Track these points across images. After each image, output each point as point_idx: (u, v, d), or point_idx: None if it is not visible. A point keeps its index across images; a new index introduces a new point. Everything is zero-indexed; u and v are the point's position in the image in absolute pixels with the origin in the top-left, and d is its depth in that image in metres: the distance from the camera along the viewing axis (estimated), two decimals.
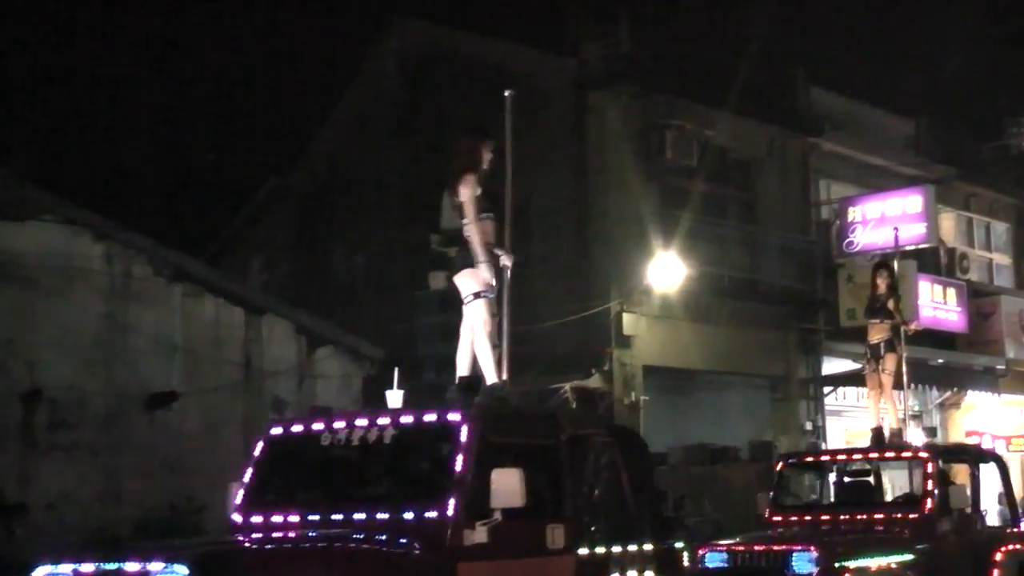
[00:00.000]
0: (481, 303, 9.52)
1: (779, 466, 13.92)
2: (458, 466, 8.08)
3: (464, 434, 8.22)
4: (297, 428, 8.91)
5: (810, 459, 15.14)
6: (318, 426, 8.73)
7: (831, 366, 23.34)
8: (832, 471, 14.28)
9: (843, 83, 25.77)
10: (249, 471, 8.84)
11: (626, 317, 20.29)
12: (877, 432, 14.26)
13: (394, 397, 9.11)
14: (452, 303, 16.89)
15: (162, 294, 15.75)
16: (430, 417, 8.49)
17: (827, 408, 23.74)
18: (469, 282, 9.58)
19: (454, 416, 8.39)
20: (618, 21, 21.01)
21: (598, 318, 19.92)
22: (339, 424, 8.67)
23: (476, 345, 9.51)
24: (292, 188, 25.78)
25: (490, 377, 9.42)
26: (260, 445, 8.96)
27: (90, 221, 15.21)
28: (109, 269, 15.26)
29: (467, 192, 9.55)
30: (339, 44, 27.18)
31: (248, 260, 26.27)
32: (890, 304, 14.51)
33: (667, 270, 20.07)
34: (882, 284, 14.63)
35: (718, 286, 21.39)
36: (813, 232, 24.25)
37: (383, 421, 8.54)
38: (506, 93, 9.91)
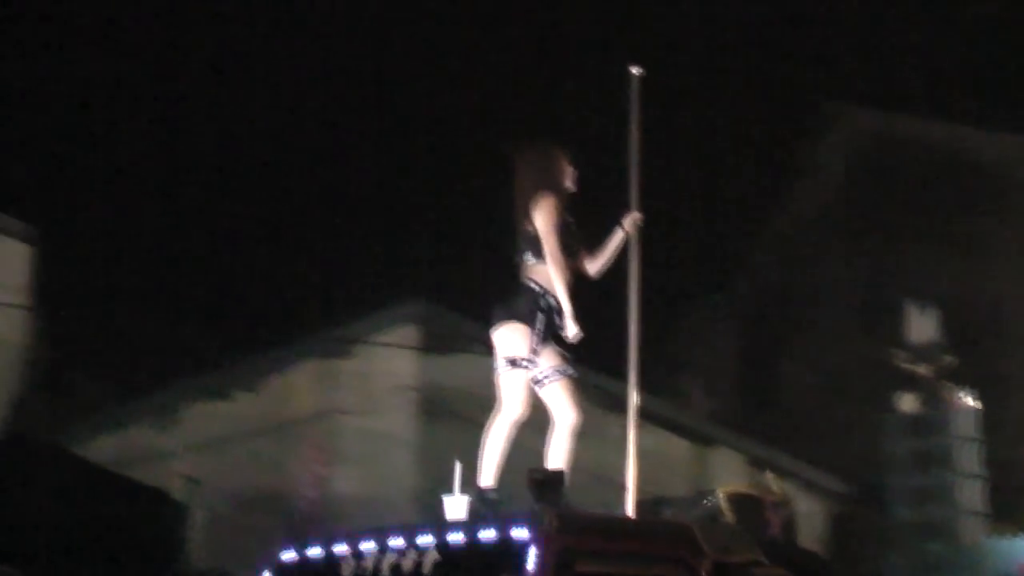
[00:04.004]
0: (514, 376, 7.61)
1: None
2: None
3: (533, 560, 6.10)
4: (314, 552, 7.17)
5: None
6: (340, 548, 7.05)
7: None
8: None
9: None
10: None
11: None
12: None
13: (455, 505, 7.35)
14: (926, 426, 16.32)
15: (600, 426, 15.97)
16: (486, 534, 6.48)
17: None
18: (508, 340, 7.64)
19: (519, 532, 6.28)
20: None
21: None
22: (367, 546, 6.95)
23: (488, 435, 7.64)
24: (732, 304, 25.76)
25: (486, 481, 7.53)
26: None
27: None
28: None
29: (546, 219, 7.60)
30: (777, 140, 27.09)
31: (689, 386, 26.34)
32: None
33: None
34: None
35: None
36: None
37: (424, 541, 6.72)
38: (633, 71, 8.18)
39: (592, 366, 16.03)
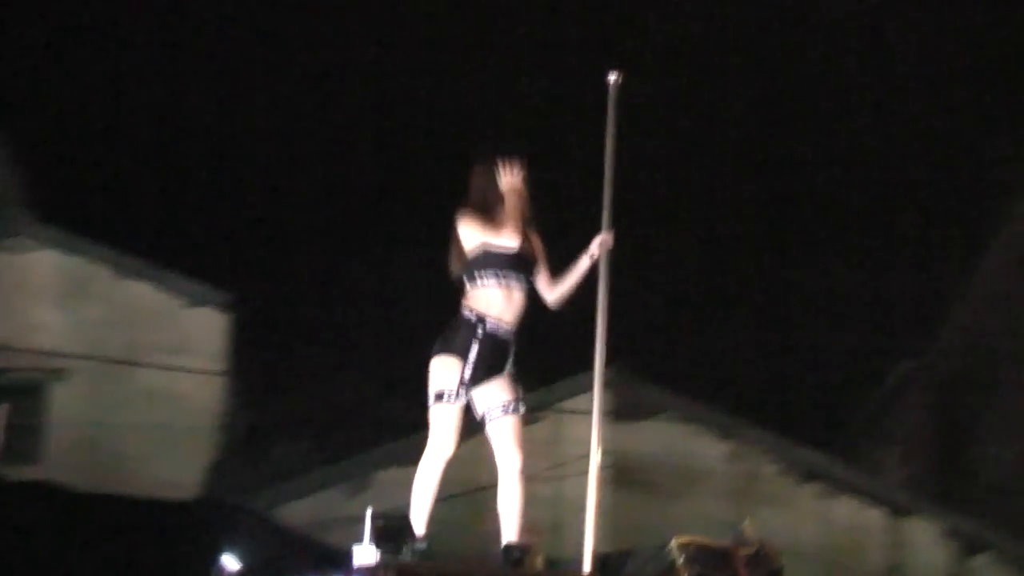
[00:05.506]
0: (439, 411, 7.20)
1: None
2: None
3: None
4: None
5: None
6: None
7: None
8: None
9: None
10: None
11: None
12: None
13: (363, 555, 6.87)
14: None
15: (792, 495, 15.83)
16: None
17: None
18: (437, 373, 7.24)
19: None
20: None
21: None
22: None
23: (418, 477, 7.20)
24: (928, 370, 25.19)
25: (417, 528, 6.97)
26: None
27: (713, 419, 15.59)
28: (734, 469, 15.50)
29: (462, 235, 7.23)
30: (972, 196, 26.50)
31: (883, 454, 25.82)
32: None
33: None
34: None
35: None
36: None
37: None
38: (611, 77, 7.50)
39: (783, 433, 15.85)
